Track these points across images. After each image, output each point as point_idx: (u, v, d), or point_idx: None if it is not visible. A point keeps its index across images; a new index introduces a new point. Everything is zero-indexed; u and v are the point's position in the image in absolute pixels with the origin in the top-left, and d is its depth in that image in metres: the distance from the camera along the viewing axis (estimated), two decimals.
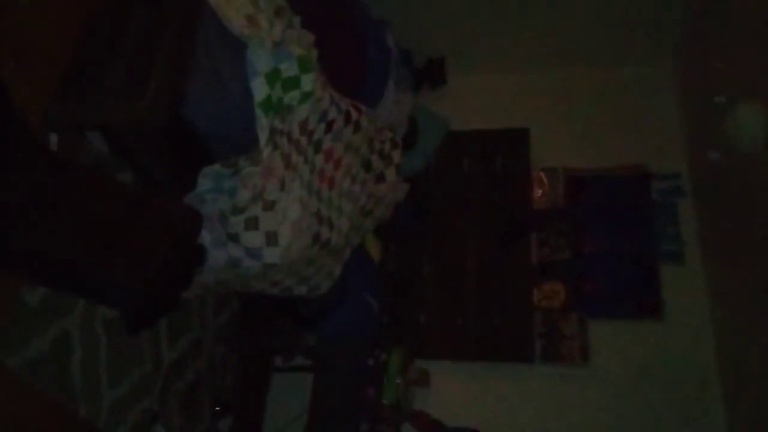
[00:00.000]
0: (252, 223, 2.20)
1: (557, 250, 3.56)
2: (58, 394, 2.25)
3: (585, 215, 3.61)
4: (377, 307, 3.27)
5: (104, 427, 2.47)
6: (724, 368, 3.14)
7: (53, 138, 2.14)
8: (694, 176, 3.58)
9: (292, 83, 2.19)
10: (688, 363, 3.22)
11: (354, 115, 2.56)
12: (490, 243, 3.64)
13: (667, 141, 3.72)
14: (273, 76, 2.12)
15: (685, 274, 3.41)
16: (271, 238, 2.22)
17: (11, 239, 1.53)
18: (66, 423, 2.30)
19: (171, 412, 2.91)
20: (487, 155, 3.87)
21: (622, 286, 3.42)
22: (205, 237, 2.23)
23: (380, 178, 2.85)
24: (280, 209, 2.22)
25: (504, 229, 3.64)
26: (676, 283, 3.39)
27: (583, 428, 3.16)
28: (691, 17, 3.50)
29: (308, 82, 2.22)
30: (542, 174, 3.79)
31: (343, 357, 3.15)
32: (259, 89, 2.10)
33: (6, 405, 2.05)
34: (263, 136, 2.13)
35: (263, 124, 2.13)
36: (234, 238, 2.23)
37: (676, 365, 3.22)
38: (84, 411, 2.36)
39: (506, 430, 3.23)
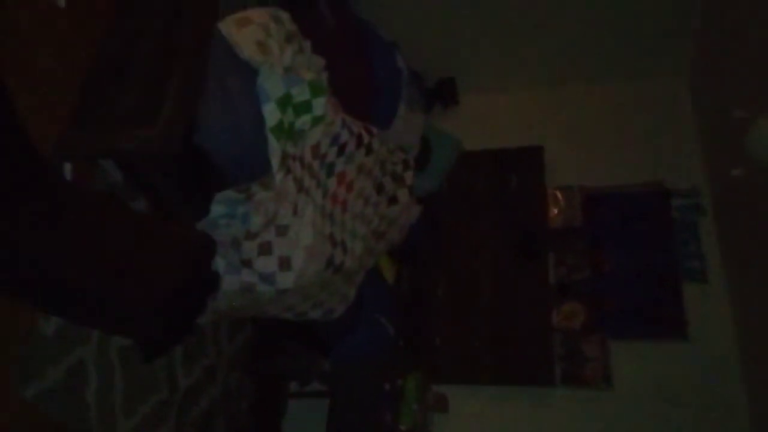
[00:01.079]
0: (265, 248, 2.19)
1: (575, 270, 3.51)
2: (74, 424, 2.23)
3: (603, 233, 3.57)
4: (392, 329, 3.24)
5: None
6: (751, 390, 3.06)
7: (67, 167, 2.15)
8: (713, 191, 3.52)
9: (304, 108, 2.19)
10: (714, 384, 3.14)
11: (366, 137, 2.55)
12: (506, 263, 3.60)
13: (685, 156, 3.67)
14: (284, 101, 2.12)
15: (708, 292, 3.34)
16: (285, 263, 2.21)
17: (25, 268, 1.52)
18: None
19: None
20: (501, 174, 3.84)
21: (644, 306, 3.35)
22: (219, 263, 2.22)
23: (393, 199, 2.84)
24: (294, 234, 2.21)
25: (520, 247, 3.60)
26: (700, 301, 3.32)
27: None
28: (707, 30, 3.47)
29: (319, 106, 2.22)
30: (558, 192, 3.76)
31: (359, 382, 3.12)
32: (271, 114, 2.10)
33: None
34: (275, 161, 2.13)
35: (275, 149, 2.12)
36: (247, 263, 2.22)
37: (702, 387, 3.14)
38: None
39: None
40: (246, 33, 2.10)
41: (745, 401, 3.07)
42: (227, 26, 2.12)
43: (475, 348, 3.43)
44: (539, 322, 3.39)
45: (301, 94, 2.16)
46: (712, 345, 3.23)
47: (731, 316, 3.26)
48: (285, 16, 2.28)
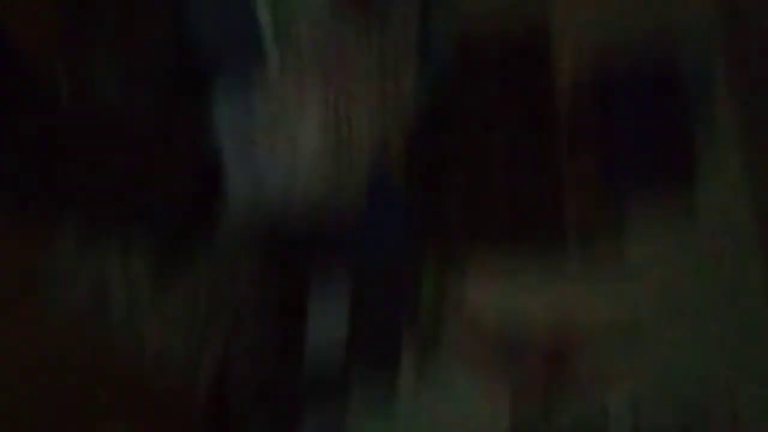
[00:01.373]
0: (272, 146, 2.18)
1: (586, 137, 3.49)
2: (107, 337, 2.30)
3: (613, 100, 3.51)
4: (407, 217, 3.26)
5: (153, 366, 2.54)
6: (762, 234, 3.09)
7: (61, 80, 2.11)
8: (724, 36, 3.43)
9: None
10: (728, 229, 3.16)
11: (364, 23, 2.47)
12: (517, 139, 3.57)
13: (697, 11, 3.55)
14: None
15: (718, 140, 3.32)
16: (295, 159, 2.20)
17: (34, 180, 1.53)
18: (120, 362, 2.36)
19: (216, 346, 2.98)
20: (506, 50, 3.71)
21: (655, 156, 3.35)
22: (229, 164, 2.20)
23: (398, 82, 2.78)
24: (300, 128, 2.18)
25: (529, 122, 3.57)
26: (710, 149, 3.30)
27: (623, 312, 3.15)
28: None
29: None
30: (566, 60, 3.66)
31: (379, 272, 3.17)
32: (264, 7, 2.04)
33: (61, 350, 2.11)
34: (272, 58, 2.09)
35: (271, 46, 2.08)
36: (254, 165, 2.21)
37: (716, 232, 3.17)
38: (130, 352, 2.42)
39: (546, 314, 3.23)
40: None
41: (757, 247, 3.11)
42: None
43: (489, 225, 3.45)
44: (552, 193, 3.40)
45: None
46: (724, 187, 3.23)
47: (742, 163, 3.26)
48: None
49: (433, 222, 3.57)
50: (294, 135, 2.21)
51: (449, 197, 3.59)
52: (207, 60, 2.07)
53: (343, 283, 3.45)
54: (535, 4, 3.72)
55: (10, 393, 1.93)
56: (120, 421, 2.38)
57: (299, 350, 3.49)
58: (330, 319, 3.48)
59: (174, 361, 2.68)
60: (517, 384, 2.91)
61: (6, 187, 1.62)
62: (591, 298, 3.27)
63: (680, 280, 3.19)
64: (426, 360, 3.16)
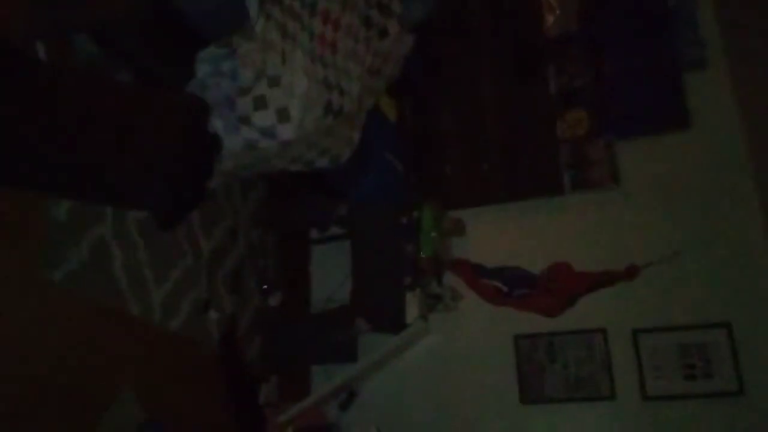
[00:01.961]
0: (260, 103, 2.14)
1: (576, 77, 3.42)
2: (108, 299, 2.32)
3: (600, 35, 3.43)
4: (401, 165, 3.24)
5: (159, 322, 2.57)
6: (758, 171, 3.07)
7: (40, 47, 2.06)
8: None
9: None
10: (720, 170, 3.15)
11: None
12: (506, 82, 3.51)
13: None
14: None
15: (709, 79, 3.26)
16: (283, 114, 2.17)
17: (20, 153, 1.51)
18: (123, 323, 2.40)
19: (221, 298, 3.01)
20: None
21: (647, 102, 3.29)
22: (217, 124, 2.18)
23: (383, 32, 2.72)
24: (286, 83, 2.14)
25: (519, 63, 3.50)
26: (701, 89, 3.24)
27: (620, 247, 3.17)
28: None
29: None
30: None
31: (377, 219, 3.18)
32: None
33: (65, 319, 2.13)
34: (253, 8, 2.02)
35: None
36: (245, 120, 2.18)
37: (709, 174, 3.16)
38: (137, 310, 2.44)
39: (545, 262, 3.26)
40: None
41: (753, 186, 3.09)
42: None
43: (484, 170, 3.44)
44: (545, 134, 3.36)
45: None
46: (717, 132, 3.20)
47: (734, 99, 3.20)
48: None
49: (428, 168, 3.55)
50: (280, 76, 2.16)
51: (443, 142, 3.56)
52: (189, 17, 2.01)
53: (342, 228, 3.46)
54: None
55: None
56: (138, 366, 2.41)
57: (303, 301, 3.52)
58: (332, 269, 3.50)
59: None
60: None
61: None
62: (588, 234, 3.29)
63: (675, 202, 3.20)
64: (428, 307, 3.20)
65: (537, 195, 3.34)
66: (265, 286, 3.36)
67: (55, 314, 2.09)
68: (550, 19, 3.54)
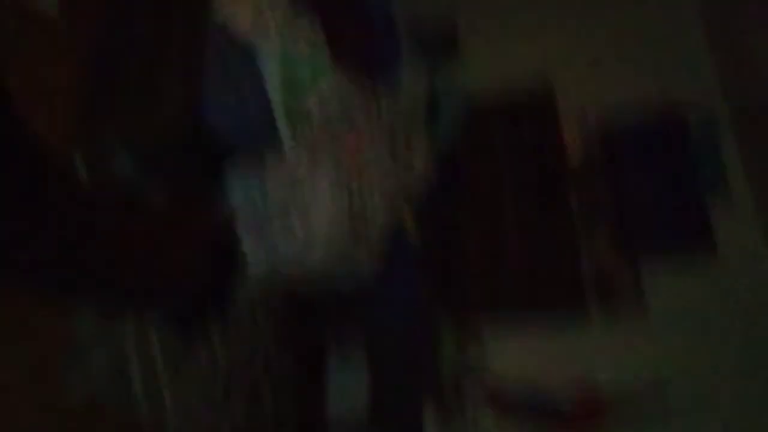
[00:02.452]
0: (286, 228, 2.19)
1: (598, 196, 3.49)
2: (125, 415, 2.28)
3: (622, 160, 3.52)
4: (422, 284, 3.25)
5: None
6: None
7: (79, 163, 2.15)
8: (730, 102, 3.45)
9: (307, 80, 2.17)
10: (748, 293, 3.12)
11: (373, 102, 2.52)
12: (529, 205, 3.58)
13: (698, 71, 3.58)
14: (287, 72, 2.10)
15: (732, 204, 3.31)
16: (308, 240, 2.22)
17: (49, 265, 1.54)
18: None
19: (235, 417, 2.95)
20: (513, 117, 3.78)
21: (670, 222, 3.34)
22: (243, 244, 2.22)
23: (408, 161, 2.82)
24: (313, 209, 2.20)
25: (541, 187, 3.58)
26: (725, 213, 3.28)
27: (642, 369, 3.10)
28: None
29: (323, 74, 2.19)
30: (572, 128, 3.70)
31: (397, 339, 3.15)
32: (275, 89, 2.08)
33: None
34: (285, 139, 2.12)
35: (283, 126, 2.11)
36: (271, 243, 2.22)
37: (736, 296, 3.13)
38: (151, 428, 2.39)
39: (569, 378, 3.18)
40: (240, 10, 2.08)
41: None
42: (221, 6, 2.09)
43: (506, 288, 3.44)
44: (567, 251, 3.39)
45: (303, 65, 2.14)
46: (741, 254, 3.21)
47: (759, 226, 3.23)
48: None
49: (450, 287, 3.55)
50: (307, 205, 2.23)
51: (465, 262, 3.58)
52: (221, 139, 2.11)
53: (361, 349, 3.43)
54: (539, 74, 3.79)
55: None
56: None
57: (320, 419, 3.44)
58: (349, 387, 3.44)
59: None
60: None
61: (28, 266, 1.63)
62: (614, 358, 3.22)
63: (704, 336, 3.14)
64: (449, 429, 3.11)
65: (558, 310, 3.32)
66: (281, 405, 3.29)
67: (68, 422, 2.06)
68: (571, 146, 3.65)
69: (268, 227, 2.14)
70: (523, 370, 3.29)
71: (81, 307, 2.09)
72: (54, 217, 1.58)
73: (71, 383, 2.06)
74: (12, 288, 1.60)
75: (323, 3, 2.42)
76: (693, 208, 3.31)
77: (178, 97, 2.01)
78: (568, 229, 3.45)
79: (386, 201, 2.62)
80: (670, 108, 3.51)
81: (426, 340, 3.10)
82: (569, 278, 3.33)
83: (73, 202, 1.66)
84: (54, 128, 2.03)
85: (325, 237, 2.18)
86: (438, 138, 3.00)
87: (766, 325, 3.07)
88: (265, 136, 2.06)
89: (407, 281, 3.11)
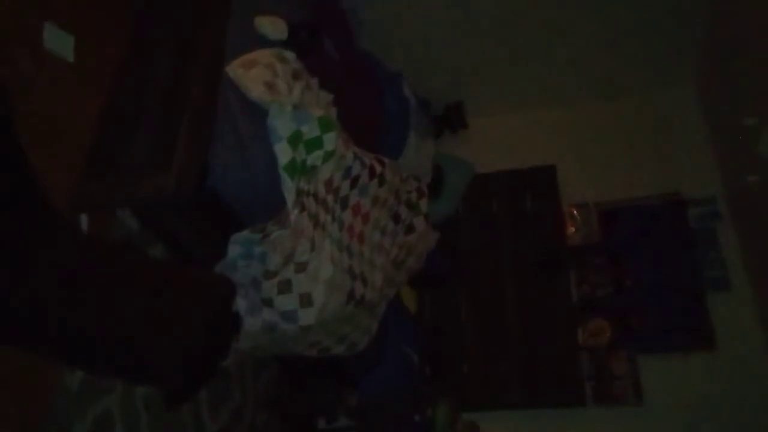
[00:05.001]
0: (285, 287, 2.18)
1: (597, 287, 3.47)
2: None
3: (622, 248, 3.53)
4: (418, 359, 3.20)
5: None
6: None
7: (83, 218, 2.16)
8: (730, 199, 3.49)
9: (315, 144, 2.20)
10: (745, 393, 3.07)
11: (378, 168, 2.55)
12: (528, 284, 3.56)
13: (699, 165, 3.64)
14: (295, 139, 2.13)
15: (732, 300, 3.29)
16: (305, 300, 2.20)
17: (43, 323, 1.52)
18: None
19: None
20: (516, 195, 3.82)
21: (670, 318, 3.30)
22: (240, 304, 2.21)
23: (410, 228, 2.83)
24: (312, 270, 2.20)
25: (541, 267, 3.57)
26: (725, 309, 3.26)
27: None
28: (712, 39, 3.46)
29: (330, 141, 2.23)
30: (574, 210, 3.73)
31: (388, 415, 3.07)
32: (283, 153, 2.11)
33: None
34: (290, 199, 2.13)
35: (289, 186, 2.13)
36: (268, 302, 2.21)
37: (734, 397, 3.08)
38: None
39: None
40: (253, 74, 2.12)
41: None
42: (234, 69, 2.14)
43: (502, 372, 3.38)
44: (566, 341, 3.34)
45: (311, 130, 2.17)
46: (742, 352, 3.17)
47: (759, 322, 3.20)
48: (290, 55, 2.31)
49: (445, 364, 3.49)
50: (306, 262, 2.22)
51: (462, 340, 3.54)
52: (226, 198, 2.12)
53: (353, 416, 3.34)
54: (542, 152, 3.85)
55: None
56: None
57: None
58: None
59: None
60: None
61: (18, 325, 1.62)
62: None
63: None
64: None
65: (556, 404, 3.25)
66: None
67: None
68: (571, 228, 3.67)
69: (265, 283, 2.13)
70: None
71: (69, 366, 2.06)
72: (53, 270, 1.58)
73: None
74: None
75: (338, 85, 2.49)
76: (693, 306, 3.29)
77: (186, 156, 2.03)
78: (567, 313, 3.42)
79: (386, 263, 2.62)
80: (671, 200, 3.55)
81: (418, 418, 3.02)
82: (567, 373, 3.28)
83: (73, 255, 1.66)
84: (60, 179, 2.05)
85: (322, 294, 2.17)
86: (440, 209, 3.02)
87: (765, 421, 3.00)
88: (269, 196, 2.08)
89: (402, 351, 3.07)
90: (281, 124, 2.10)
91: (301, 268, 2.21)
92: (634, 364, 3.23)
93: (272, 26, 2.40)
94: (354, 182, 2.47)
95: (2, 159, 1.44)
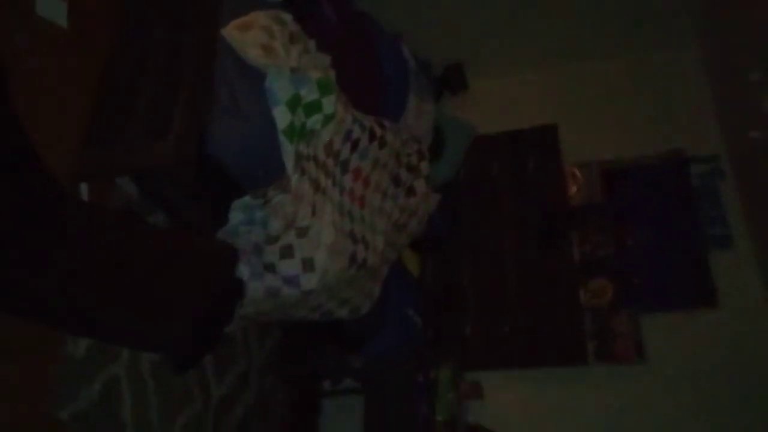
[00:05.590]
0: (287, 252, 2.18)
1: (599, 246, 3.47)
2: None
3: (624, 207, 3.52)
4: (420, 322, 3.22)
5: None
6: None
7: (83, 188, 2.15)
8: (733, 156, 3.47)
9: (314, 107, 2.17)
10: (748, 350, 3.09)
11: (378, 131, 2.53)
12: (529, 245, 3.56)
13: (702, 123, 3.61)
14: (294, 103, 2.11)
15: (734, 258, 3.29)
16: (308, 264, 2.20)
17: (47, 291, 1.52)
18: None
19: None
20: (517, 156, 3.81)
21: (671, 277, 3.31)
22: (243, 270, 2.21)
23: (411, 191, 2.82)
24: (314, 234, 2.19)
25: (542, 229, 3.57)
26: (727, 267, 3.26)
27: (644, 428, 3.05)
28: None
29: (329, 104, 2.20)
30: (576, 170, 3.71)
31: (392, 376, 3.11)
32: (282, 117, 2.09)
33: None
34: (290, 163, 2.11)
35: (288, 151, 2.11)
36: (270, 268, 2.21)
37: (737, 354, 3.10)
38: None
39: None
40: (250, 37, 2.09)
41: None
42: (230, 31, 2.10)
43: (505, 333, 3.40)
44: (567, 301, 3.36)
45: (309, 93, 2.15)
46: (743, 310, 3.18)
47: (761, 279, 3.21)
48: (287, 17, 2.27)
49: (448, 327, 3.51)
50: (308, 227, 2.21)
51: (465, 303, 3.56)
52: (226, 164, 2.10)
53: (357, 378, 3.38)
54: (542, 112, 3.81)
55: None
56: None
57: None
58: (343, 419, 3.38)
59: None
60: None
61: (22, 290, 1.62)
62: (613, 413, 3.15)
63: (704, 391, 3.09)
64: None
65: (559, 363, 3.27)
66: None
67: None
68: (573, 188, 3.65)
69: (267, 248, 2.13)
70: (519, 418, 3.25)
71: (74, 334, 2.07)
72: (54, 239, 1.58)
73: (62, 405, 2.02)
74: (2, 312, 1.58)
75: (336, 47, 2.45)
76: (695, 264, 3.29)
77: (185, 122, 2.01)
78: (569, 273, 3.42)
79: (387, 226, 2.62)
80: (673, 158, 3.53)
81: (422, 379, 3.06)
82: (570, 333, 3.30)
83: (74, 224, 1.65)
84: (59, 149, 2.03)
85: (324, 258, 2.17)
86: (441, 171, 3.01)
87: (760, 385, 3.03)
88: (269, 160, 2.06)
89: (405, 314, 3.08)
90: (279, 88, 2.07)
91: (303, 233, 2.21)
92: (636, 323, 3.25)
93: None
94: (354, 146, 2.45)
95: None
